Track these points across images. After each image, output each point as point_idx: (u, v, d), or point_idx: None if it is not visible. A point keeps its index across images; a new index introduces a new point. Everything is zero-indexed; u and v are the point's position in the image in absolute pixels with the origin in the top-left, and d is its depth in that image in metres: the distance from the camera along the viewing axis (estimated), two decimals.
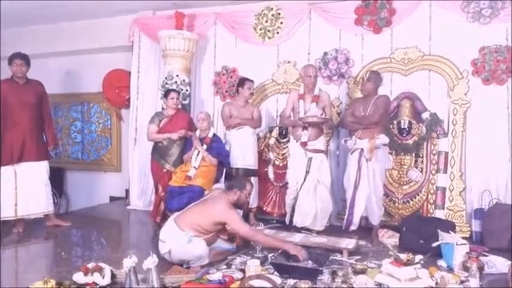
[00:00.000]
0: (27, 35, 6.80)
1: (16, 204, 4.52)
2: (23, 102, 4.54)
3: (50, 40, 6.79)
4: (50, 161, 4.85)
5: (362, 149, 4.26)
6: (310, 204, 4.40)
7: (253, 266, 3.06)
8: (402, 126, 4.92)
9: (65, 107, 7.29)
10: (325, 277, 3.12)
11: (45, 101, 4.80)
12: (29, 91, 4.61)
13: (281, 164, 5.25)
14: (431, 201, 4.79)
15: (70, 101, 7.22)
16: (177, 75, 5.50)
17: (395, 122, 4.94)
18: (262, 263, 3.30)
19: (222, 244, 3.56)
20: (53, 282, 2.80)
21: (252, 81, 5.06)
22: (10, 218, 4.56)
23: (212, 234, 3.42)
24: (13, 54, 4.60)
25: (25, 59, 4.59)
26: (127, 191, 6.31)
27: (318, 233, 4.40)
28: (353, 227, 4.34)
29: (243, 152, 4.85)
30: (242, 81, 5.05)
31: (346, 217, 4.39)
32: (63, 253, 3.84)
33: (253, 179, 4.96)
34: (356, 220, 4.32)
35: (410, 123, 4.90)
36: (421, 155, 4.88)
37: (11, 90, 4.53)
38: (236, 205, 3.55)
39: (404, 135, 4.92)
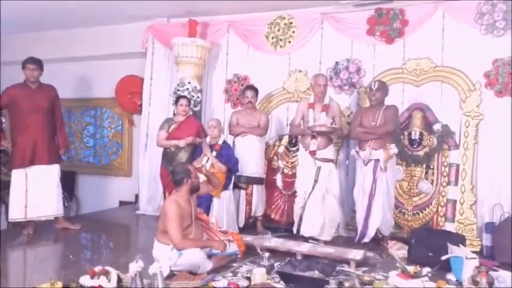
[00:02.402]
0: (43, 40, 6.92)
1: (26, 206, 4.58)
2: (35, 106, 4.61)
3: (65, 45, 6.89)
4: (61, 164, 4.92)
5: (377, 160, 4.25)
6: (318, 214, 4.37)
7: (259, 274, 3.06)
8: (413, 137, 4.88)
9: (78, 112, 7.39)
10: None
11: (57, 106, 4.86)
12: (41, 95, 4.68)
13: (290, 173, 5.24)
14: (442, 213, 4.73)
15: (83, 105, 7.31)
16: (189, 82, 5.55)
17: (406, 132, 4.91)
18: (268, 272, 3.30)
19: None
20: (59, 284, 2.83)
21: (252, 88, 5.10)
22: (20, 220, 4.63)
23: (193, 232, 3.41)
24: (26, 59, 4.66)
25: (38, 63, 4.66)
26: (136, 196, 6.34)
27: (326, 243, 4.37)
28: (366, 239, 4.29)
29: (246, 160, 4.87)
30: (243, 89, 5.20)
31: (360, 229, 4.34)
32: (71, 256, 3.88)
33: (258, 187, 4.98)
34: (371, 232, 4.28)
35: (421, 134, 4.86)
36: (431, 167, 4.83)
37: (23, 95, 4.60)
38: (193, 191, 3.53)
39: (415, 146, 4.87)
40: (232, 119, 5.12)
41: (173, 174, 3.57)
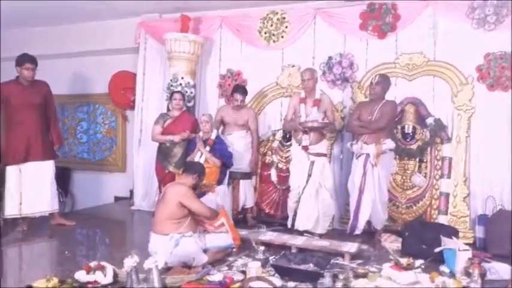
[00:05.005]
0: (35, 36, 6.87)
1: (21, 203, 4.57)
2: (28, 103, 4.58)
3: (58, 41, 6.85)
4: (56, 160, 4.91)
5: (368, 154, 4.27)
6: (312, 208, 4.41)
7: (254, 267, 3.08)
8: (406, 131, 4.92)
9: (71, 108, 7.35)
10: (326, 280, 3.11)
11: (50, 101, 4.83)
12: (34, 92, 4.65)
13: (284, 167, 5.26)
14: (435, 206, 4.78)
15: (76, 101, 7.28)
16: (182, 78, 5.55)
17: (399, 127, 4.94)
18: (263, 265, 3.32)
19: (219, 243, 3.57)
20: (55, 280, 2.84)
21: (240, 91, 5.03)
22: (14, 216, 4.62)
23: (189, 221, 3.42)
24: (23, 58, 4.57)
25: (35, 62, 4.61)
26: (131, 192, 6.34)
27: (320, 236, 4.40)
28: (357, 232, 4.34)
29: (234, 155, 4.87)
30: (232, 91, 5.13)
31: (350, 221, 4.40)
32: (66, 252, 3.88)
33: (246, 181, 5.01)
34: (361, 225, 4.32)
35: (414, 128, 4.90)
36: (424, 160, 4.87)
37: (16, 91, 4.57)
38: (192, 189, 3.57)
39: (408, 140, 4.92)
40: (216, 117, 5.12)
41: (189, 163, 3.82)
